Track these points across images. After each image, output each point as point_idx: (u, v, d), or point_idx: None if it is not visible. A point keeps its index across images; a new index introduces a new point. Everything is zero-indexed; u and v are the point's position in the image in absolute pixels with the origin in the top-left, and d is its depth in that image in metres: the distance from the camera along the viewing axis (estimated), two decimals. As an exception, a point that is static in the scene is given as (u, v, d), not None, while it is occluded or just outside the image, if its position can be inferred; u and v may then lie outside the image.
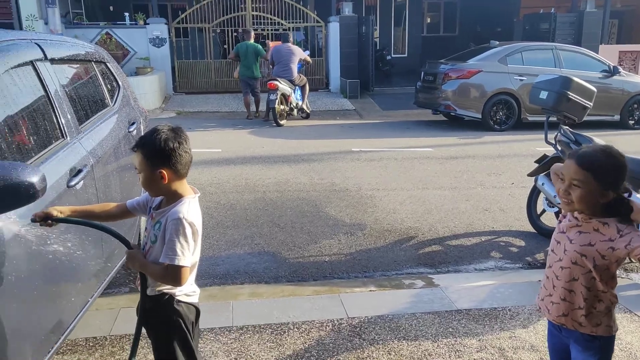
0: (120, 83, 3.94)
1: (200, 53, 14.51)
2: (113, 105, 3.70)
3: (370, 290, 3.91)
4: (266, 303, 3.70)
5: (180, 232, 1.99)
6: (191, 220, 2.01)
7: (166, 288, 2.10)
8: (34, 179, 1.96)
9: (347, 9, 14.36)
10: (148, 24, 13.42)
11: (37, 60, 2.78)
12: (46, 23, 12.14)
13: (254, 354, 3.07)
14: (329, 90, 14.60)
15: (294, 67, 10.80)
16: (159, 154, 2.01)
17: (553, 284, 2.07)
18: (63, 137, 2.82)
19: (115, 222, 2.40)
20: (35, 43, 2.86)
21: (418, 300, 3.70)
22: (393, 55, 18.83)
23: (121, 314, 3.52)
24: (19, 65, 2.58)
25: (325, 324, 3.38)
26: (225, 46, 14.76)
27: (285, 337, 3.23)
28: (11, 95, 2.47)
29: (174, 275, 2.01)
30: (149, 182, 2.06)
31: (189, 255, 2.01)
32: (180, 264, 1.99)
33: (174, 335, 2.13)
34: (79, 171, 2.81)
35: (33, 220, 2.10)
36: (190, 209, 2.04)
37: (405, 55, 19.72)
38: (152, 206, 2.16)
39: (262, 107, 11.31)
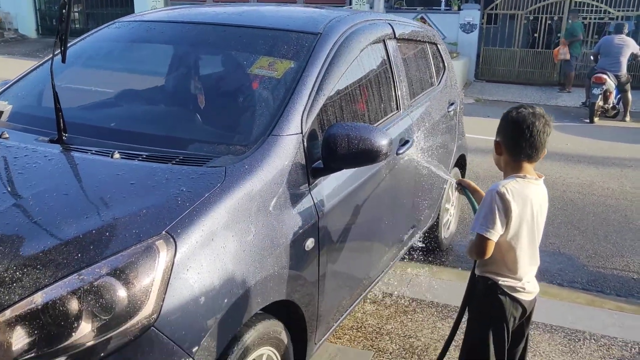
0: (446, 64, 4.13)
1: (507, 41, 14.08)
2: (437, 85, 3.90)
3: (691, 324, 3.36)
4: (559, 305, 3.51)
5: (488, 202, 1.95)
6: (504, 193, 1.92)
7: (491, 274, 2.06)
8: (384, 142, 2.22)
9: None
10: (462, 9, 13.57)
11: (388, 38, 3.11)
12: (371, 7, 13.32)
13: (543, 352, 2.96)
14: (654, 89, 12.66)
15: (624, 62, 9.59)
16: (501, 122, 2.05)
17: None
18: (397, 109, 3.11)
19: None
20: (388, 23, 3.19)
21: None
22: None
23: (414, 280, 3.77)
24: (375, 42, 2.93)
25: (630, 345, 3.05)
26: (536, 35, 13.99)
27: (580, 346, 3.03)
28: (367, 67, 2.83)
29: (476, 243, 1.98)
30: (494, 149, 2.10)
31: (493, 227, 1.93)
32: (482, 233, 1.94)
33: (488, 325, 2.08)
34: (406, 142, 3.07)
35: (456, 183, 2.49)
36: (511, 185, 1.95)
37: None
38: None
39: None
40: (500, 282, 2.05)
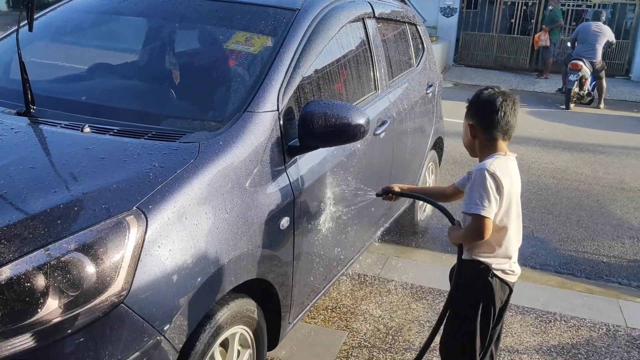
0: (425, 46, 4.11)
1: (486, 26, 14.11)
2: (417, 66, 3.88)
3: (658, 306, 3.45)
4: (531, 287, 3.56)
5: (479, 182, 1.93)
6: (494, 172, 1.92)
7: (483, 257, 2.04)
8: (362, 121, 2.20)
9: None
10: (442, -8, 13.55)
11: (367, 17, 3.07)
12: (351, -12, 13.20)
13: (515, 333, 3.01)
14: (629, 77, 12.87)
15: (600, 49, 9.70)
16: (471, 105, 2.08)
17: None
18: (375, 89, 3.09)
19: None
20: (368, 2, 3.15)
21: None
22: None
23: (389, 261, 3.78)
24: (354, 20, 2.89)
25: (598, 325, 3.12)
26: (512, 20, 14.06)
27: (551, 327, 3.09)
28: (346, 45, 2.79)
29: (474, 225, 1.95)
30: (463, 133, 2.11)
31: (489, 206, 1.91)
32: (480, 213, 1.91)
33: (477, 308, 2.05)
34: (384, 122, 3.05)
35: (377, 195, 2.44)
36: (497, 163, 1.96)
37: None
38: None
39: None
40: (493, 266, 2.03)
